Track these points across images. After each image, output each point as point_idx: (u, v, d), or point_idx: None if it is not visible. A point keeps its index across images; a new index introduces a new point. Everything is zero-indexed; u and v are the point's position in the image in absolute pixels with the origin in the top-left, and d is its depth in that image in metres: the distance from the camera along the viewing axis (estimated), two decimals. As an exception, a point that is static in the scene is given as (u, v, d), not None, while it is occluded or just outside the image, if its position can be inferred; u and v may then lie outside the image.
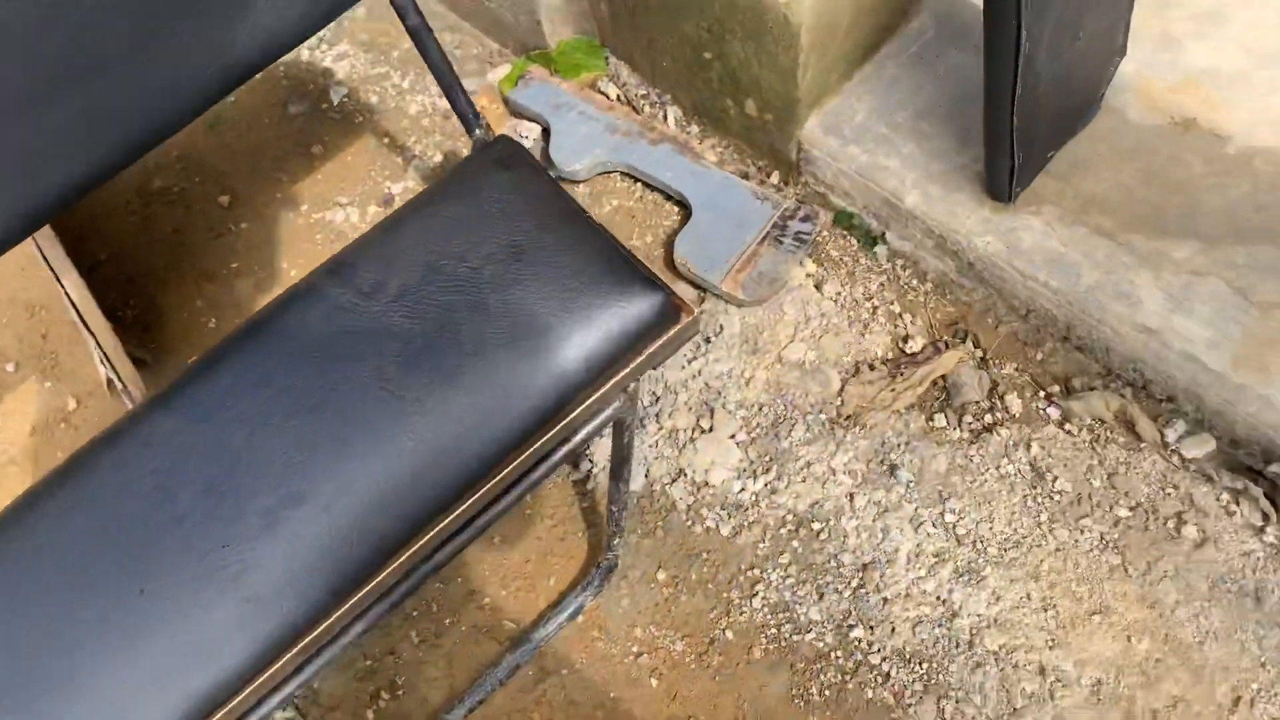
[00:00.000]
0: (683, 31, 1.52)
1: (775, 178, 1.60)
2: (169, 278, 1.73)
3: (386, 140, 1.82)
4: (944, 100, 1.48)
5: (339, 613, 0.95)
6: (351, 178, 1.78)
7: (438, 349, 1.00)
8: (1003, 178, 1.33)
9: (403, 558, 0.98)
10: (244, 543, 0.94)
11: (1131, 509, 1.25)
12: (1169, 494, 1.24)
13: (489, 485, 1.00)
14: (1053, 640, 1.19)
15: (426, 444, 0.97)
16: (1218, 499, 1.23)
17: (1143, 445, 1.28)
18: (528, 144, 1.74)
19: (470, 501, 0.99)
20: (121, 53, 0.94)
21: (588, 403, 1.04)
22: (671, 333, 1.05)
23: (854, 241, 1.53)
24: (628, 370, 1.05)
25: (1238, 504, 1.21)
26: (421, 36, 1.17)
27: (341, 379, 1.00)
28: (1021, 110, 1.23)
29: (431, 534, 0.99)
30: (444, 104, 1.84)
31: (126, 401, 1.46)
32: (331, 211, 1.75)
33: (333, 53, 1.96)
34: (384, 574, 0.97)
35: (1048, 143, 1.37)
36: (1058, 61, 1.25)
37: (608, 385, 1.04)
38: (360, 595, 0.96)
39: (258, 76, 1.98)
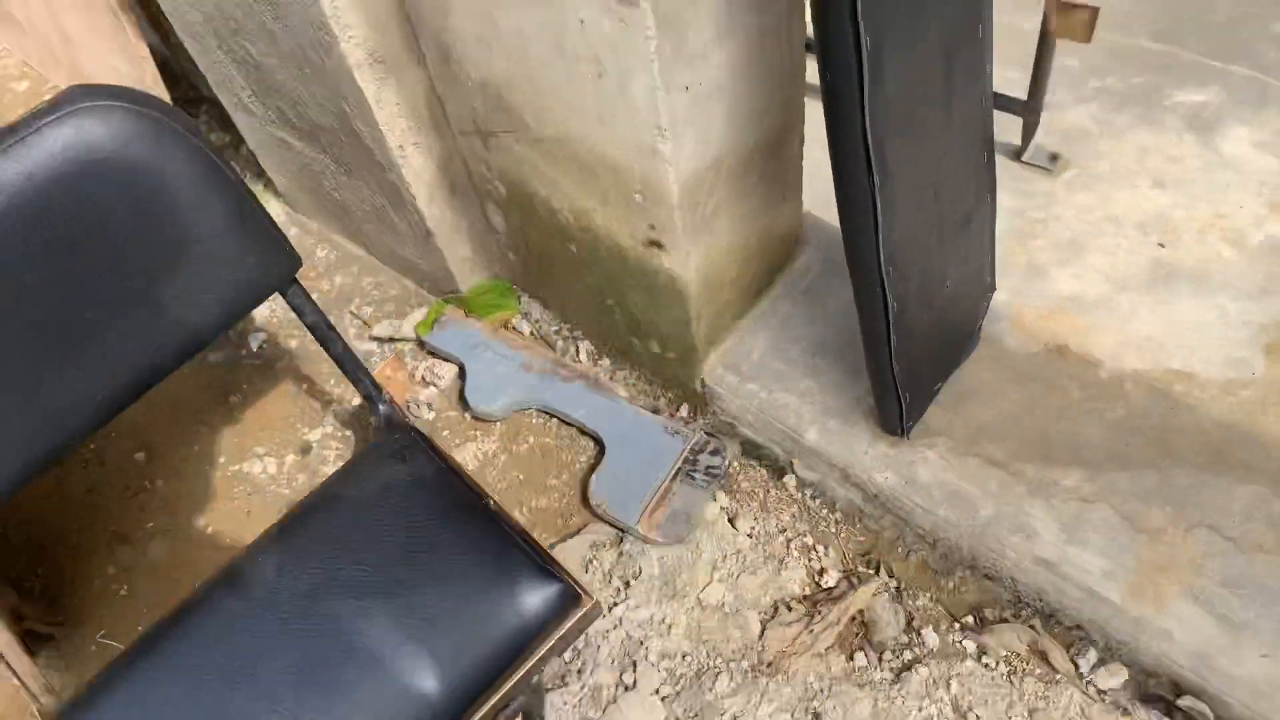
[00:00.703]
0: (586, 282, 1.59)
1: (685, 410, 1.65)
2: (81, 542, 1.69)
3: (305, 386, 1.84)
4: (835, 334, 1.55)
5: None
6: (270, 426, 1.79)
7: (333, 663, 0.99)
8: (893, 417, 1.38)
9: None
10: None
11: (1054, 748, 1.24)
12: (1088, 730, 1.24)
13: (389, 807, 0.97)
14: None
15: (320, 773, 0.94)
16: (1135, 733, 1.23)
17: (1059, 677, 1.29)
18: (443, 384, 1.78)
19: (368, 828, 0.95)
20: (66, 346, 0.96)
21: (492, 701, 1.02)
22: (572, 622, 1.05)
23: (764, 471, 1.56)
24: (531, 664, 1.04)
25: (1155, 739, 1.22)
26: (322, 331, 1.21)
27: (235, 704, 0.97)
28: (900, 358, 1.30)
29: None
30: (363, 346, 1.89)
31: (30, 701, 1.39)
32: (250, 463, 1.74)
33: (254, 298, 2.00)
34: None
35: (933, 377, 1.44)
36: (930, 309, 1.33)
37: (511, 680, 1.03)
38: None
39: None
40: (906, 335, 1.29)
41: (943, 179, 1.23)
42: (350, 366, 1.25)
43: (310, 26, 1.32)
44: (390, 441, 1.16)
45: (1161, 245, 1.57)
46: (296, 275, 1.16)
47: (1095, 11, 1.36)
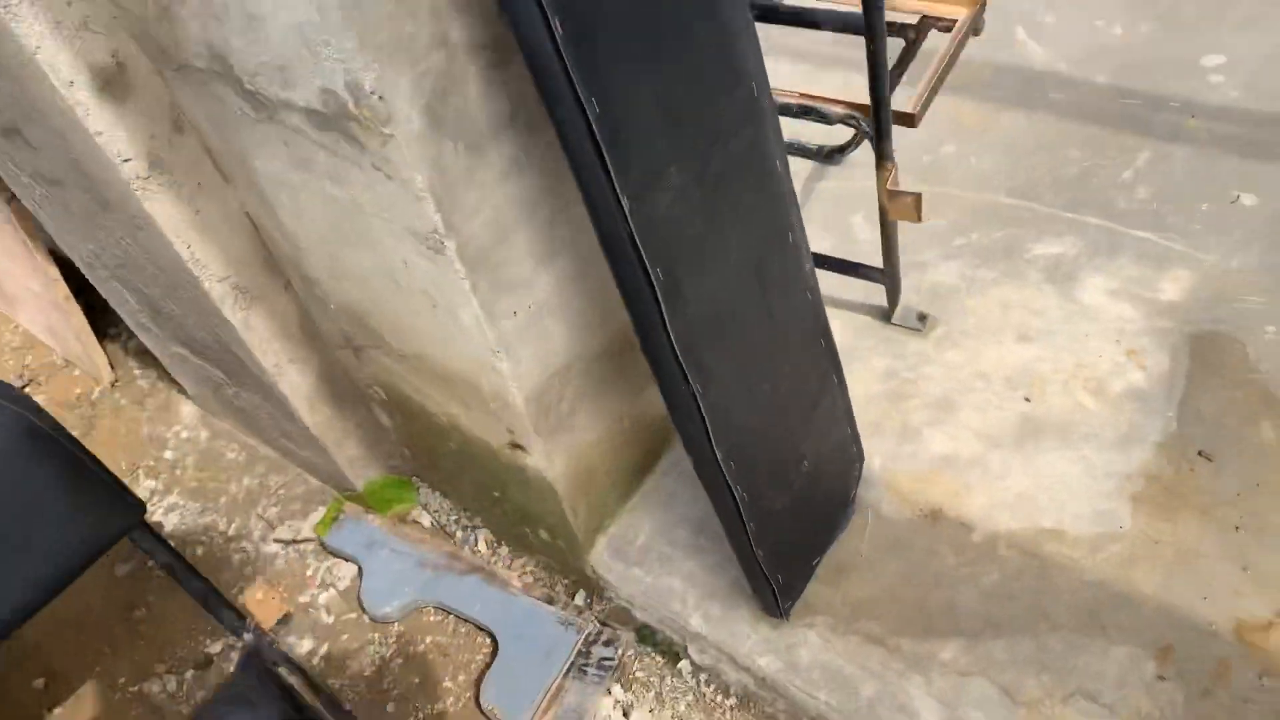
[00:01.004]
0: (472, 476, 1.62)
1: (581, 596, 1.64)
2: (-28, 783, 1.65)
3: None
4: (718, 512, 1.56)
5: None
6: (172, 641, 1.77)
7: None
8: (769, 600, 1.38)
9: None
10: None
11: None
12: None
13: None
14: None
15: None
16: None
17: None
18: (342, 585, 1.77)
19: None
20: None
21: None
22: None
23: (659, 658, 1.55)
24: None
25: None
26: (176, 570, 1.22)
27: None
28: (762, 544, 1.31)
29: None
30: (269, 549, 1.89)
31: None
32: (150, 681, 1.71)
33: (164, 504, 2.02)
34: None
35: (809, 554, 1.45)
36: (789, 491, 1.35)
37: None
38: None
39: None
40: (765, 521, 1.31)
41: (777, 371, 1.27)
42: (211, 602, 1.25)
43: (173, 266, 1.38)
44: (239, 684, 1.15)
45: (1028, 399, 1.60)
46: (145, 518, 1.18)
47: (919, 196, 1.44)
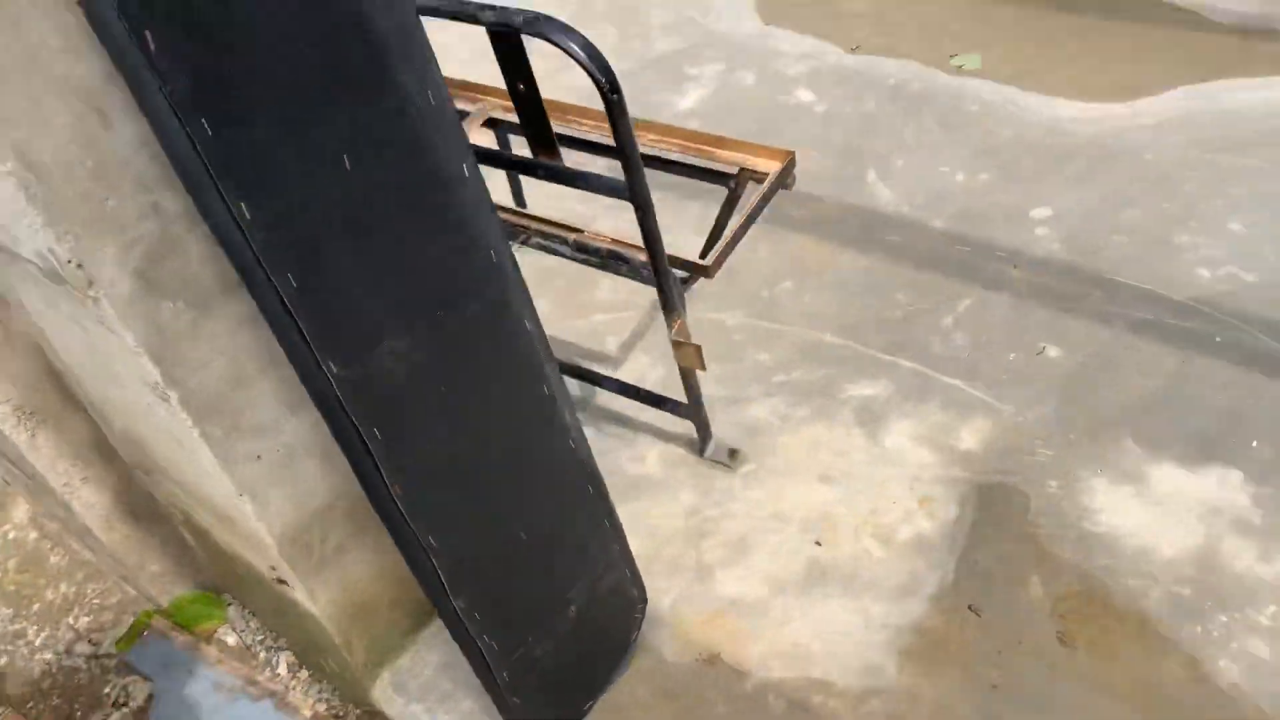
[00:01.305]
0: (264, 601, 1.61)
1: (370, 728, 1.62)
2: None
3: (4, 711, 1.78)
4: (507, 647, 1.56)
5: None
6: (-46, 758, 1.71)
7: None
8: (529, 747, 1.38)
9: None
10: None
11: None
12: None
13: None
14: None
15: None
16: None
17: None
18: (135, 703, 1.73)
19: None
20: None
21: None
22: None
23: (437, 798, 1.52)
24: None
25: None
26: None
27: None
28: (519, 691, 1.31)
29: None
30: (71, 661, 1.85)
31: None
32: (-79, 802, 1.65)
33: (-21, 614, 1.97)
34: None
35: (581, 698, 1.45)
36: (551, 638, 1.36)
37: None
38: None
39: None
40: (523, 668, 1.32)
41: (533, 520, 1.29)
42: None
43: (-45, 386, 1.39)
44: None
45: (819, 544, 1.64)
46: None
47: (699, 347, 1.50)
